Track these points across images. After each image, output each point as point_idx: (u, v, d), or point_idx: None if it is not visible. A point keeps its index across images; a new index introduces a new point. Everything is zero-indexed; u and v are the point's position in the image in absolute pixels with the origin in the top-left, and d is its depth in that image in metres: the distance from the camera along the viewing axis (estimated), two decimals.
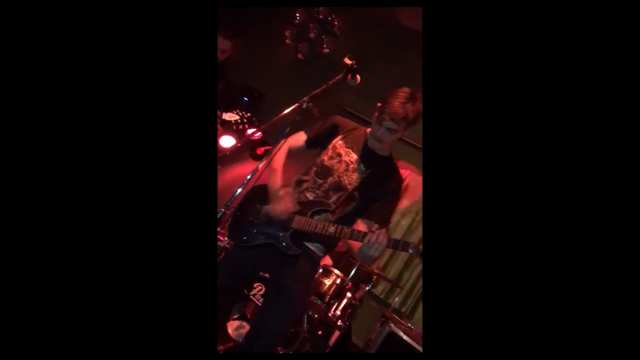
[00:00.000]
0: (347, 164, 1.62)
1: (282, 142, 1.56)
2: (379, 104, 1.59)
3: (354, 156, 1.63)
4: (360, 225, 1.59)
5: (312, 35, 4.59)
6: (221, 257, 2.77)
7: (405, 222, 3.88)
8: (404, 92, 1.54)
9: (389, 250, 3.81)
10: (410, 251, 1.34)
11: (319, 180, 1.62)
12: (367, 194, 1.59)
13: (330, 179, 1.60)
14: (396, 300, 3.61)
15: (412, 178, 3.96)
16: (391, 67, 4.00)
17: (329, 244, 1.67)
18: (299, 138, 1.75)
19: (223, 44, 2.67)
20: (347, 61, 1.57)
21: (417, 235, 3.82)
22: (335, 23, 4.51)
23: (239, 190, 1.43)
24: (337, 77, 1.59)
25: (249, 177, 1.45)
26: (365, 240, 1.36)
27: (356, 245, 1.48)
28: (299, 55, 4.69)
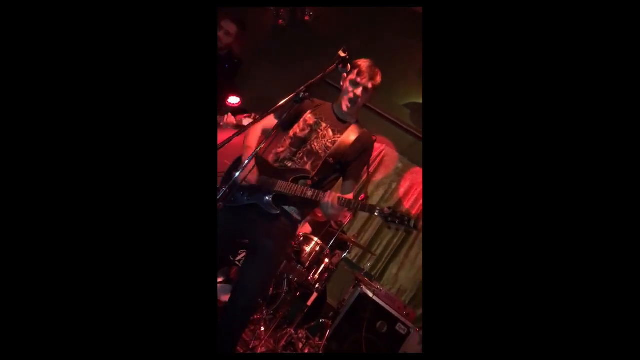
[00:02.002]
0: (317, 132, 1.83)
1: (253, 121, 1.71)
2: (346, 74, 1.82)
3: (323, 124, 1.84)
4: (345, 189, 1.83)
5: None
6: None
7: (380, 192, 4.13)
8: (369, 61, 1.84)
9: (362, 220, 4.07)
10: (375, 212, 1.51)
11: (293, 149, 1.82)
12: (340, 158, 1.80)
13: (303, 147, 1.81)
14: (367, 265, 3.93)
15: (386, 152, 4.17)
16: (374, 36, 4.05)
17: (304, 207, 1.84)
18: (271, 121, 1.92)
19: (228, 26, 2.66)
20: (342, 54, 1.66)
21: (390, 204, 4.08)
22: None
23: (237, 174, 1.56)
24: (331, 67, 1.68)
25: (246, 161, 1.57)
26: (324, 201, 1.60)
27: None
28: (280, 21, 4.61)
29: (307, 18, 4.53)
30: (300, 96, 1.60)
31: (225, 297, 2.81)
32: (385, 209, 1.52)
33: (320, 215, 3.23)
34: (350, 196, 1.77)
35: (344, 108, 1.85)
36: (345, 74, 1.85)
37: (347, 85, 1.83)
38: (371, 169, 4.03)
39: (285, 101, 1.58)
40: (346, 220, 3.27)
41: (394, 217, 1.50)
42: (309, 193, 1.66)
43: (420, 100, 4.14)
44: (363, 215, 4.02)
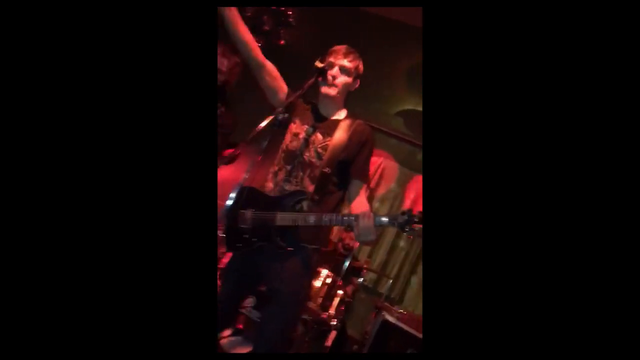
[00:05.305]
0: (307, 140, 1.60)
1: None
2: (319, 62, 1.57)
3: (311, 129, 1.62)
4: (352, 197, 1.59)
5: (267, 27, 4.44)
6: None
7: (385, 208, 3.90)
8: (344, 46, 1.63)
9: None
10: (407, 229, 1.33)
11: (287, 166, 1.60)
12: (336, 163, 1.55)
13: (295, 161, 1.59)
14: (385, 288, 3.65)
15: (385, 164, 3.97)
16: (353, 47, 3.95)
17: (318, 233, 1.59)
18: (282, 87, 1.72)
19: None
20: (319, 65, 1.50)
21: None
22: (289, 13, 4.37)
23: (229, 202, 1.36)
24: (310, 82, 1.51)
25: (232, 195, 1.37)
26: (355, 227, 1.37)
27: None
28: None
29: (282, 42, 4.45)
30: (279, 118, 1.42)
31: (238, 350, 2.54)
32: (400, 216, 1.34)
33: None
34: (362, 200, 1.57)
35: (323, 92, 1.59)
36: (318, 62, 1.60)
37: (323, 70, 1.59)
38: (372, 184, 3.82)
39: (264, 126, 1.39)
40: (357, 245, 3.03)
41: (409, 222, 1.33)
42: (311, 219, 1.43)
43: (412, 107, 4.01)
44: None
